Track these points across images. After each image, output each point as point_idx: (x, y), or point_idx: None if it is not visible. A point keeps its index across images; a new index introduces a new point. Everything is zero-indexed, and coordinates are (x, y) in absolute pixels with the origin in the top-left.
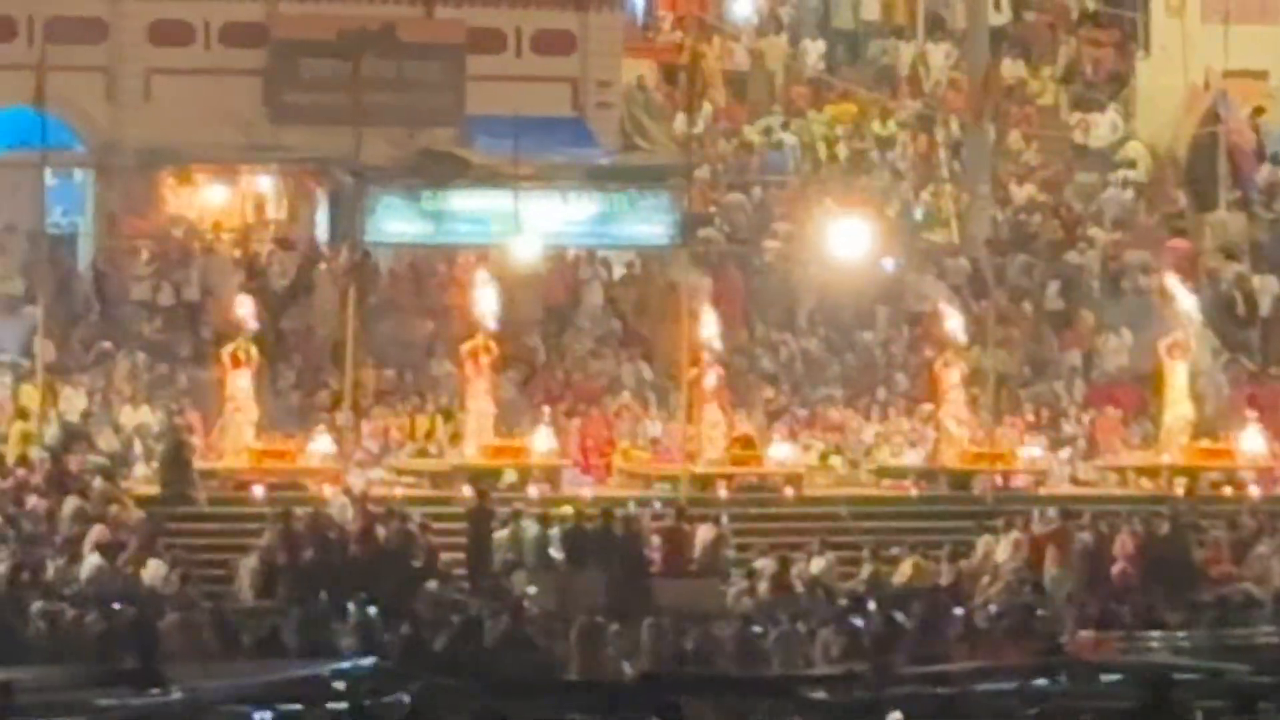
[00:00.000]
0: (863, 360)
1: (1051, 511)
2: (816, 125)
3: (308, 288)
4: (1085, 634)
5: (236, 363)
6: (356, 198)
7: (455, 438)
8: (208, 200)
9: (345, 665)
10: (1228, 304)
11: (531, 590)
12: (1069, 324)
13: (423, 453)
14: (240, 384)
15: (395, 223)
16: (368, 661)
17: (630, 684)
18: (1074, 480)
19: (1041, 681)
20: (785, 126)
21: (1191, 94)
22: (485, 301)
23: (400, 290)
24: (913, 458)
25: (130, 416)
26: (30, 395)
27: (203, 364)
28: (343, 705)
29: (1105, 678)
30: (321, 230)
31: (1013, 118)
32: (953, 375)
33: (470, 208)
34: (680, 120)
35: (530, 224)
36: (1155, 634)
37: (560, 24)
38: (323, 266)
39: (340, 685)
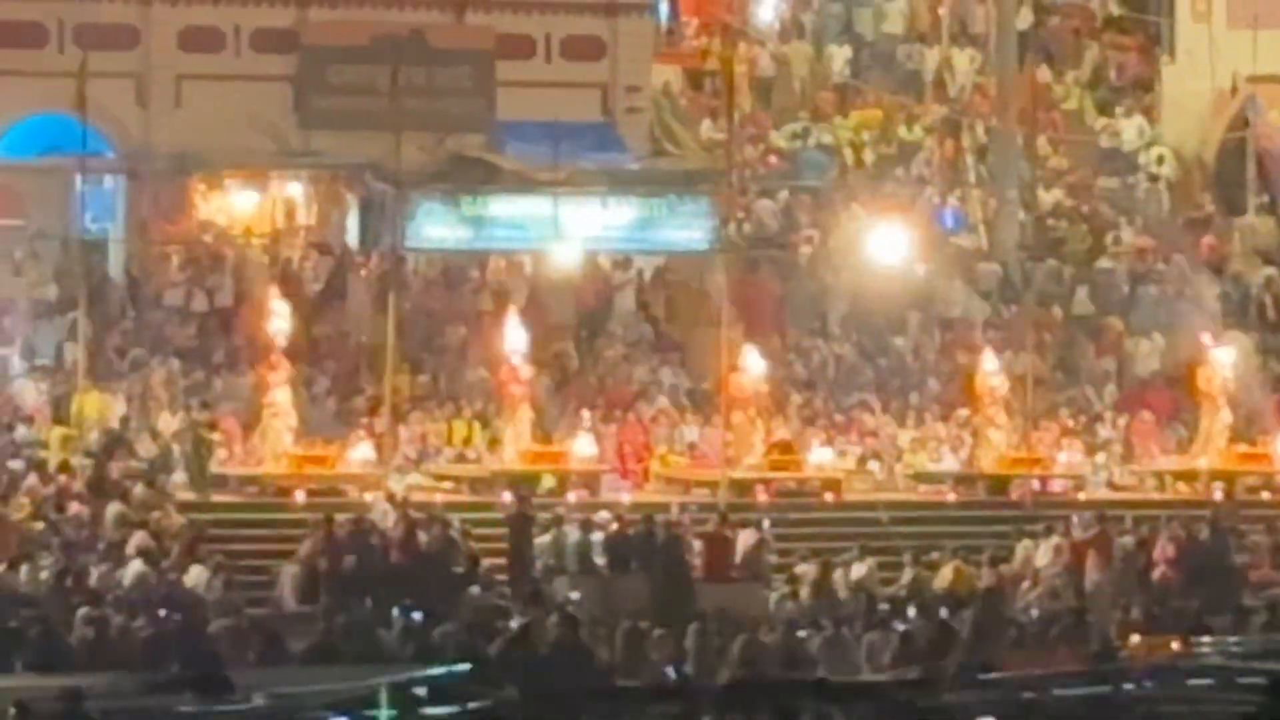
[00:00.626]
0: (894, 365)
1: (1088, 516)
2: (843, 131)
3: (341, 293)
4: (1139, 639)
5: (274, 368)
6: (396, 203)
7: (493, 443)
8: (238, 206)
9: (438, 671)
10: (1258, 308)
11: (575, 596)
12: (1100, 329)
13: (461, 458)
14: (279, 390)
15: (435, 228)
16: (461, 668)
17: (733, 688)
18: (1111, 485)
19: (1129, 686)
20: (810, 133)
21: (1219, 98)
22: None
23: (432, 295)
24: (949, 463)
25: (168, 422)
26: (78, 401)
27: (237, 370)
28: (441, 711)
29: (1194, 682)
30: (352, 236)
31: (1039, 122)
32: (992, 381)
33: (509, 213)
34: (707, 126)
35: (569, 229)
36: (1206, 639)
37: (590, 29)
38: (359, 272)
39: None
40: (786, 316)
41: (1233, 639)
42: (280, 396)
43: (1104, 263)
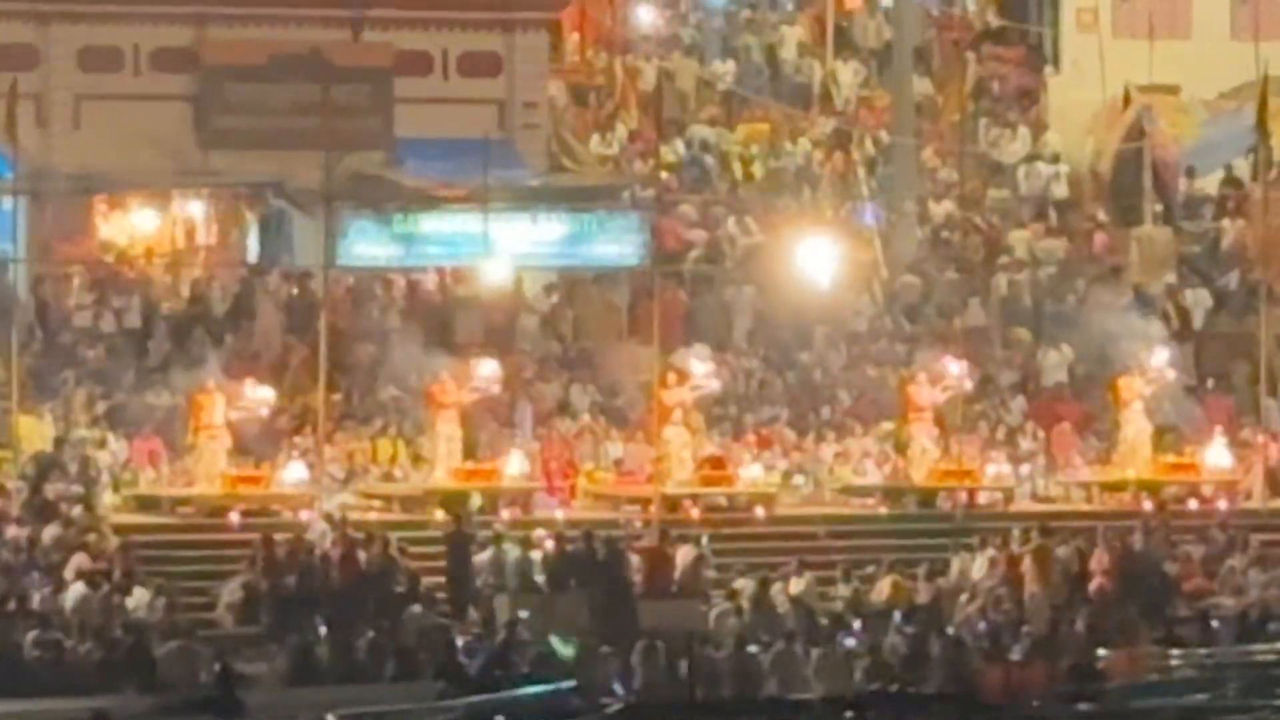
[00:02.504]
0: (803, 380)
1: (1025, 528)
2: (732, 145)
3: (249, 312)
4: (1117, 651)
5: (208, 391)
6: (330, 221)
7: (418, 461)
8: (139, 226)
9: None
10: (1163, 317)
11: (524, 614)
12: (1005, 340)
13: (388, 477)
14: (215, 410)
15: (366, 246)
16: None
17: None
18: (1036, 497)
19: (1201, 696)
20: (702, 146)
21: (1111, 109)
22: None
23: (339, 314)
24: (874, 477)
25: (95, 445)
26: (11, 424)
27: (149, 390)
28: None
29: None
30: (252, 255)
31: (924, 135)
32: (923, 393)
33: (441, 230)
34: (595, 141)
35: (499, 246)
36: (1175, 651)
37: (487, 45)
38: (266, 291)
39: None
40: (693, 332)
41: (1203, 651)
42: (216, 418)
43: (1004, 274)
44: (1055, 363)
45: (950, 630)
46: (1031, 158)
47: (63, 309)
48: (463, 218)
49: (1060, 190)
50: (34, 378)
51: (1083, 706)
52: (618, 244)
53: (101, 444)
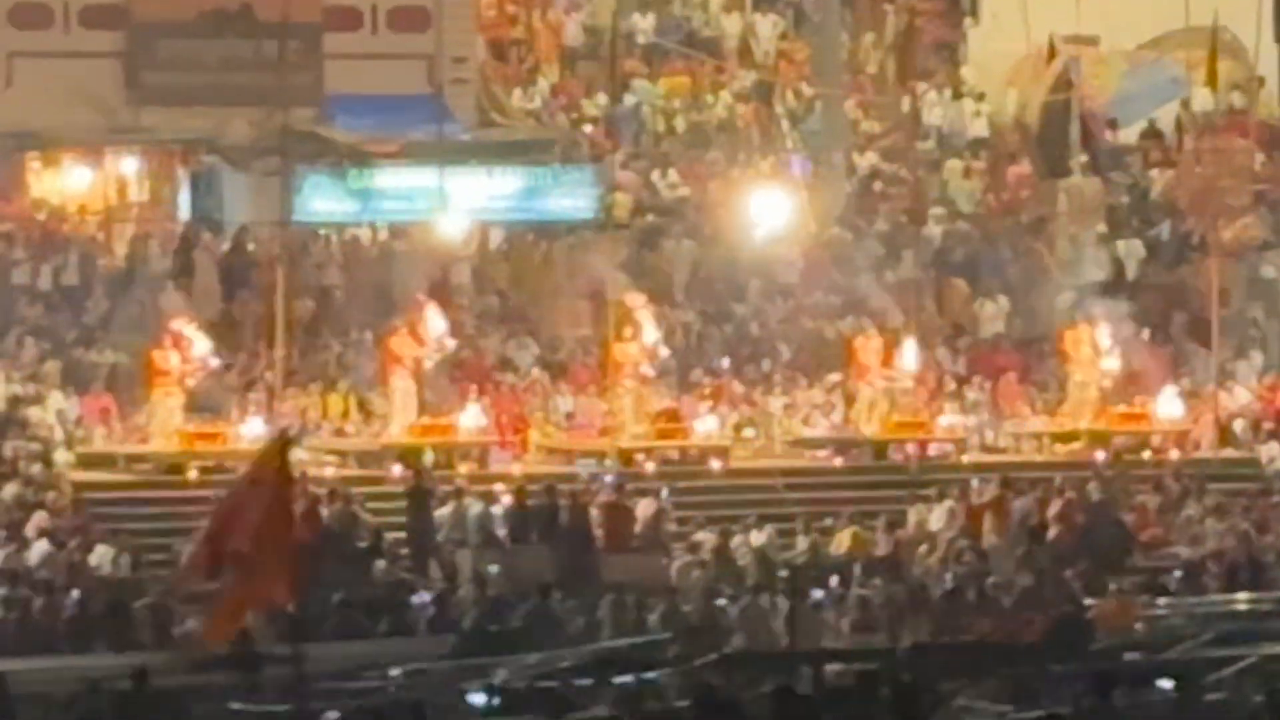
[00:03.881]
0: (740, 333)
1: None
2: (654, 99)
3: (187, 270)
4: (1106, 601)
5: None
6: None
7: (369, 416)
8: (72, 183)
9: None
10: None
11: (493, 569)
12: (940, 291)
13: (340, 433)
14: (172, 367)
15: (322, 201)
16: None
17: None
18: (985, 448)
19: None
20: (621, 99)
21: (1035, 60)
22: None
23: (272, 271)
24: (822, 428)
25: (48, 402)
26: None
27: (93, 348)
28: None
29: None
30: (183, 212)
31: (843, 87)
32: (872, 345)
33: (396, 185)
34: (517, 95)
35: (455, 200)
36: (1161, 600)
37: (415, 1)
38: (203, 249)
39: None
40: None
41: (1192, 599)
42: (173, 373)
43: (935, 225)
44: (992, 313)
45: (927, 581)
46: (952, 110)
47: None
48: (418, 172)
49: (981, 129)
50: None
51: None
52: (572, 198)
53: (44, 401)
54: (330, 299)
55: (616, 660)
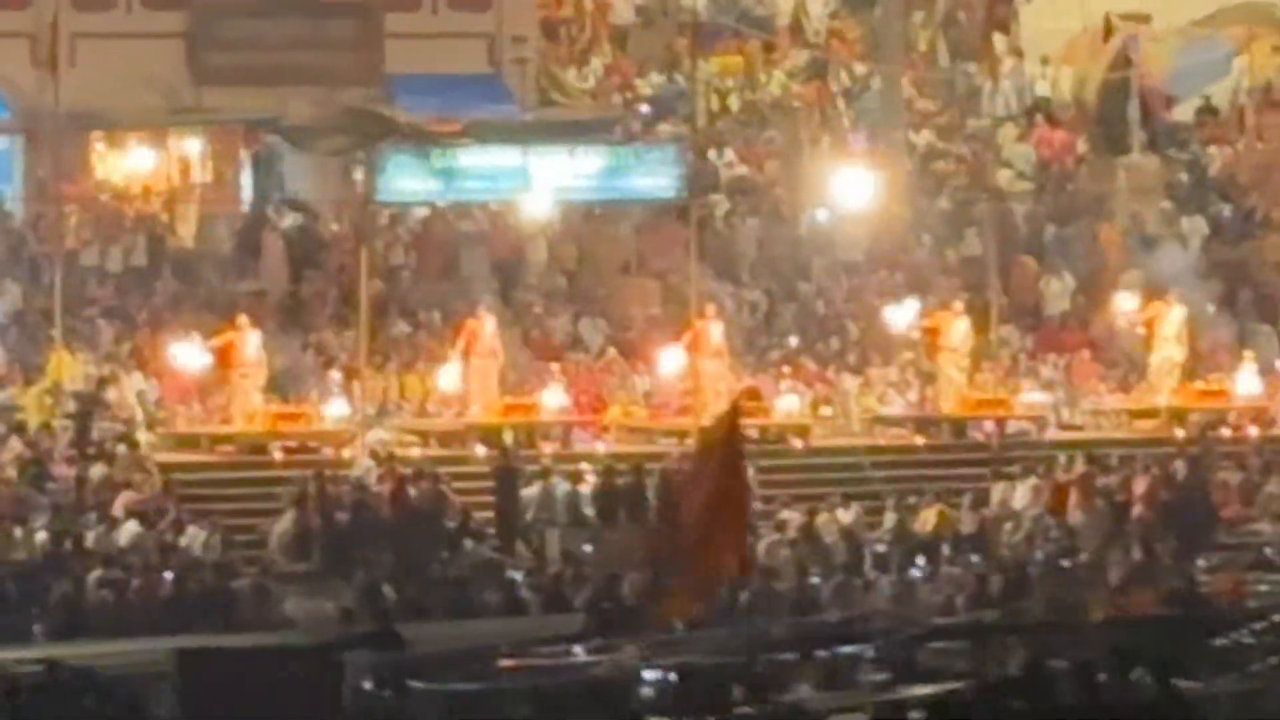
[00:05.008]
0: (805, 311)
1: (1062, 456)
2: (705, 77)
3: (254, 250)
4: (1220, 575)
5: (239, 327)
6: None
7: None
8: (136, 164)
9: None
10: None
11: (587, 548)
12: (1007, 269)
13: (422, 413)
14: (249, 348)
15: (406, 181)
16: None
17: None
18: (1062, 425)
19: None
20: (675, 78)
21: (1091, 38)
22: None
23: (343, 251)
24: (898, 406)
25: (127, 383)
26: (54, 361)
27: (166, 329)
28: None
29: None
30: (245, 192)
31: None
32: (956, 324)
33: (479, 164)
34: (572, 75)
35: (538, 179)
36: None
37: None
38: (271, 229)
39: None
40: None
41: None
42: (249, 354)
43: (996, 203)
44: (1058, 291)
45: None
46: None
47: (67, 247)
48: (501, 151)
49: (1043, 90)
50: (47, 317)
51: None
52: (654, 177)
53: (122, 382)
54: (398, 279)
55: (815, 636)
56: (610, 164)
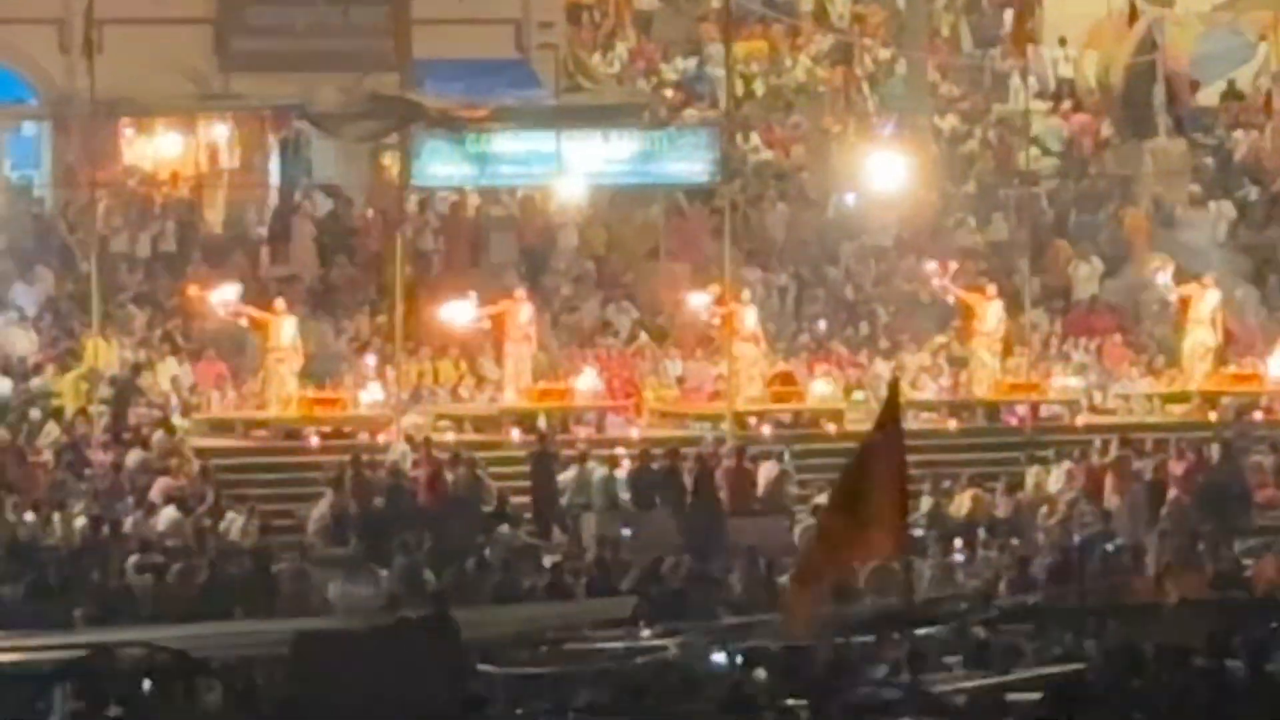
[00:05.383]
0: (834, 296)
1: (1097, 440)
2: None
3: (285, 236)
4: (1264, 560)
5: (275, 312)
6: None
7: (481, 382)
8: (163, 150)
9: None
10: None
11: (625, 533)
12: (1035, 252)
13: (455, 398)
14: (285, 333)
15: (440, 166)
16: None
17: None
18: (1093, 409)
19: None
20: (702, 64)
21: (1116, 22)
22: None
23: (372, 236)
24: (930, 391)
25: (161, 369)
26: (90, 347)
27: (200, 314)
28: None
29: None
30: (273, 178)
31: (924, 50)
32: (991, 308)
33: (513, 149)
34: (596, 59)
35: (571, 164)
36: None
37: None
38: (301, 214)
39: None
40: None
41: None
42: (285, 340)
43: (1023, 187)
44: (1087, 275)
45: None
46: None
47: (96, 233)
48: (535, 136)
49: (1066, 73)
50: (77, 303)
51: None
52: (689, 161)
53: (156, 367)
54: (428, 264)
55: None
56: (643, 149)
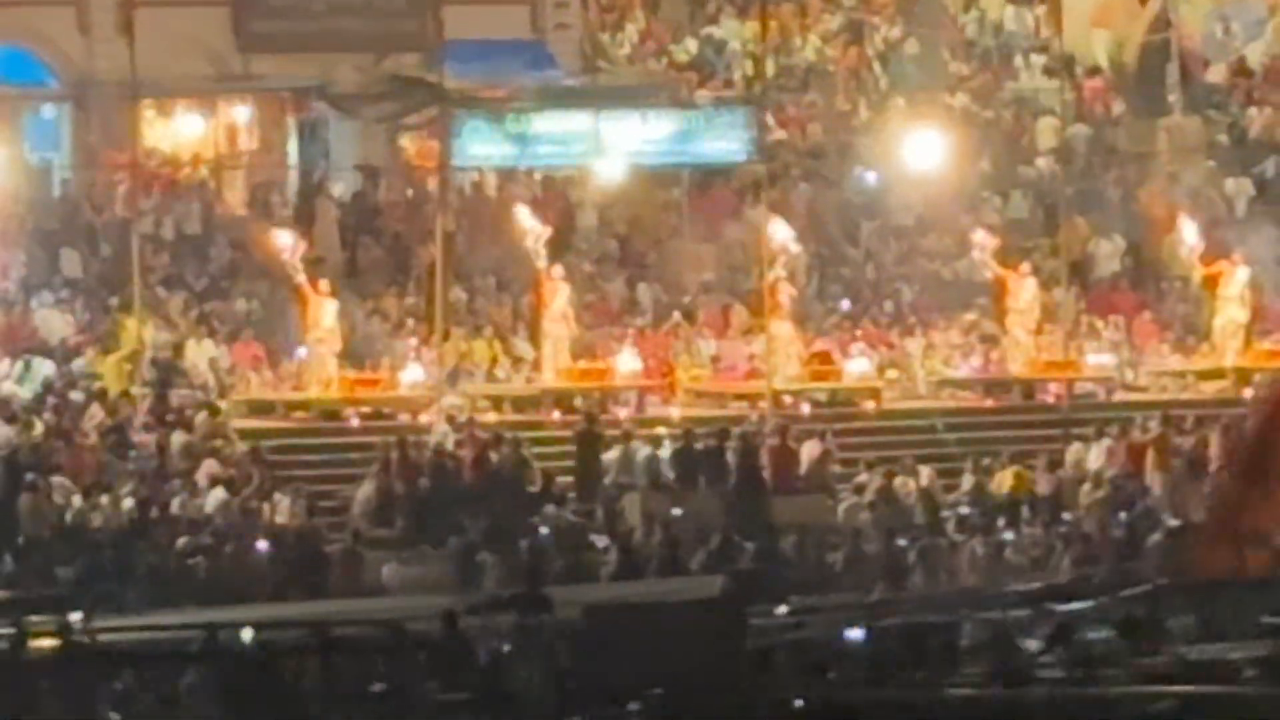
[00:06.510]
0: (856, 275)
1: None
2: (741, 43)
3: (309, 217)
4: None
5: (318, 294)
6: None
7: (517, 362)
8: (183, 132)
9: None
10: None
11: (676, 512)
12: (1056, 230)
13: (491, 378)
14: (325, 315)
15: (480, 146)
16: None
17: None
18: (1126, 386)
19: None
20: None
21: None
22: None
23: (395, 218)
24: (964, 369)
25: (197, 351)
26: (130, 329)
27: (221, 296)
28: None
29: None
30: (292, 159)
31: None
32: (1025, 285)
33: (552, 130)
34: (606, 40)
35: (610, 144)
36: None
37: None
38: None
39: None
40: (745, 228)
41: None
42: (326, 321)
43: (1032, 168)
44: (1108, 252)
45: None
46: (1041, 48)
47: (120, 215)
48: (573, 116)
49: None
50: (105, 285)
51: None
52: (725, 140)
53: (191, 349)
54: (451, 245)
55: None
56: (681, 128)
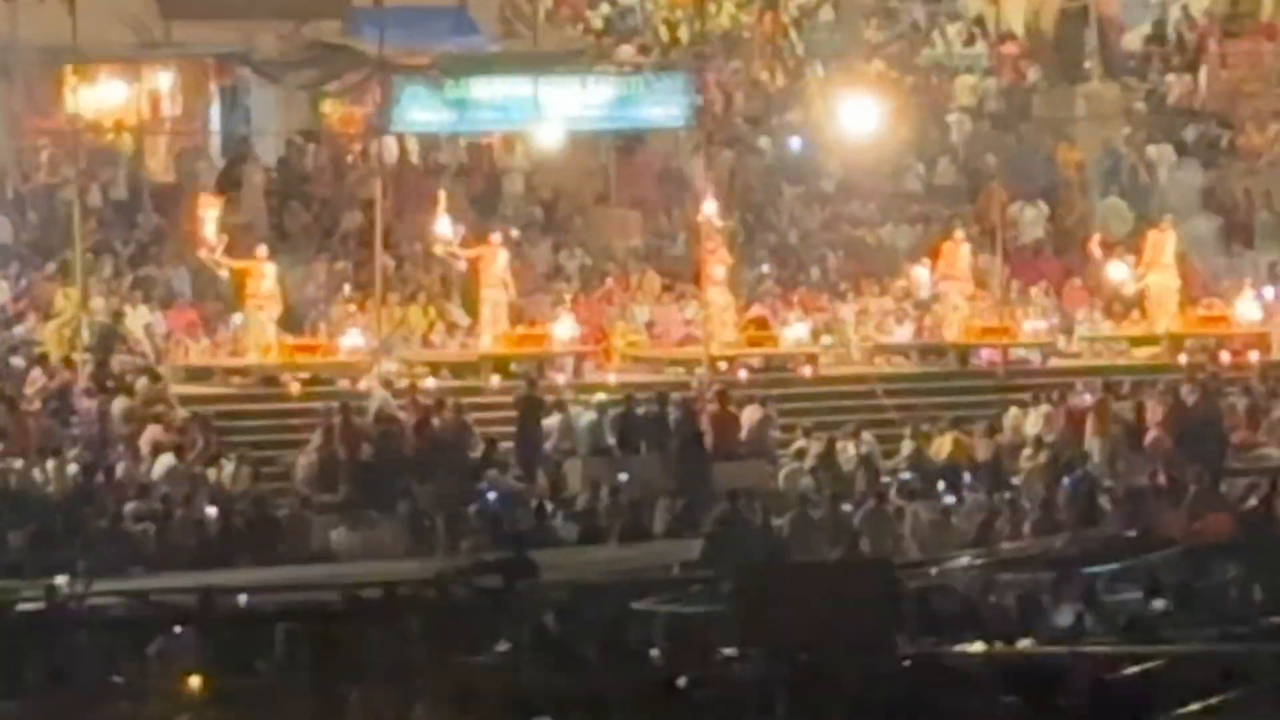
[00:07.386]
0: (781, 240)
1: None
2: (657, 9)
3: (235, 183)
4: None
5: (256, 259)
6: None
7: (451, 328)
8: (106, 98)
9: None
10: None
11: (623, 477)
12: (973, 197)
13: (427, 344)
14: (264, 280)
15: (420, 112)
16: None
17: None
18: (1058, 352)
19: None
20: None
21: None
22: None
23: (321, 183)
24: (897, 335)
25: (134, 318)
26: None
27: (161, 261)
28: None
29: None
30: (214, 125)
31: None
32: (961, 251)
33: (492, 95)
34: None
35: (549, 109)
36: None
37: None
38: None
39: None
40: (671, 194)
41: None
42: (265, 287)
43: (957, 129)
44: (1032, 219)
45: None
46: (957, 15)
47: (45, 183)
48: (514, 82)
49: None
50: (37, 251)
51: None
52: (665, 106)
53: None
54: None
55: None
56: (621, 94)
